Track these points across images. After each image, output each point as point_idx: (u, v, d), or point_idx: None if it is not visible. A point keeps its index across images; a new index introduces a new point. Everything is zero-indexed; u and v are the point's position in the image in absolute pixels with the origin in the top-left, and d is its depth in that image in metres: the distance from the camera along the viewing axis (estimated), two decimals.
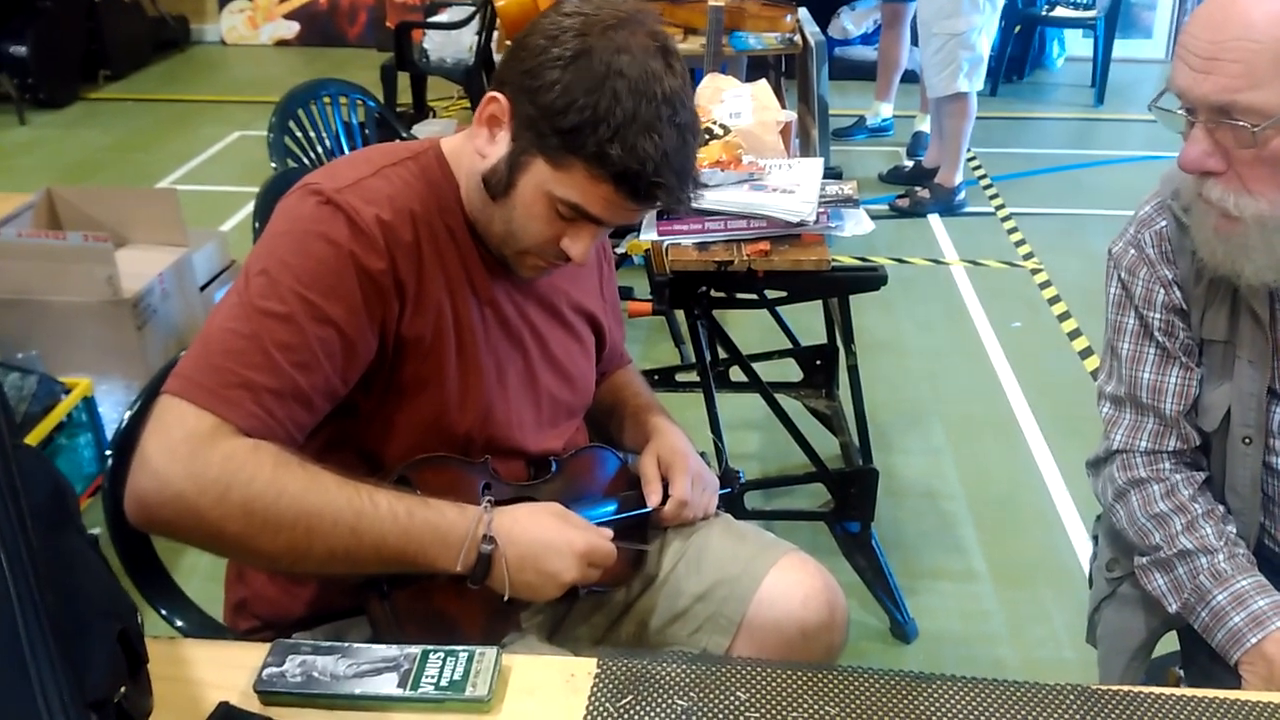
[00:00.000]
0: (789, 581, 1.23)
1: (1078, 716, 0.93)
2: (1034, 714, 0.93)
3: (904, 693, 0.95)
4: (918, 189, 4.28)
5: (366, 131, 2.78)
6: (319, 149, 2.63)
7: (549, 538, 1.09)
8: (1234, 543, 1.22)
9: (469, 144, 1.12)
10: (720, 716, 0.92)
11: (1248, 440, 1.22)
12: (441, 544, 1.03)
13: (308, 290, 1.02)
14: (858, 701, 0.94)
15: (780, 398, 2.18)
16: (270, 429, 1.00)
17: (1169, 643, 1.37)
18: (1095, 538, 1.48)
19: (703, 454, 1.37)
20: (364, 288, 1.05)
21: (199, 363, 1.01)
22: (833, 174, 2.08)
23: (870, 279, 2.00)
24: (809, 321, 2.49)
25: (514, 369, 1.20)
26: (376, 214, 1.06)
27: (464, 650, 0.95)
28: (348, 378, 1.07)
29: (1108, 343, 1.32)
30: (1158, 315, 1.24)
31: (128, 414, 1.23)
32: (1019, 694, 0.95)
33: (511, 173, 1.08)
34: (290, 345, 1.01)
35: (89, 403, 2.45)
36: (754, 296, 2.06)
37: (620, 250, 3.16)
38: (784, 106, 2.57)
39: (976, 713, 0.93)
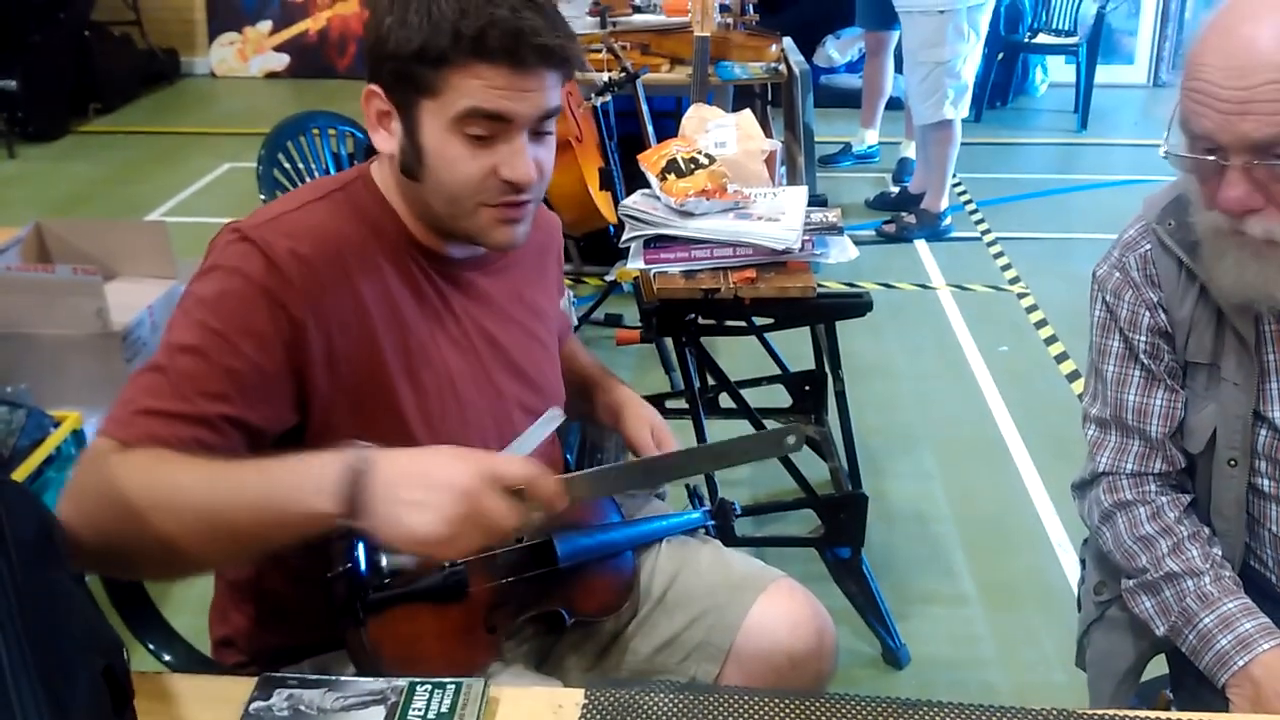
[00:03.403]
0: (777, 610, 1.23)
1: None
2: None
3: (891, 719, 0.95)
4: (904, 215, 4.31)
5: (356, 162, 2.80)
6: (308, 180, 2.64)
7: (440, 453, 0.94)
8: (1220, 565, 1.23)
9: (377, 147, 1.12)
10: None
11: (1233, 463, 1.23)
12: (303, 477, 0.92)
13: (218, 324, 1.02)
14: None
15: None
16: (165, 443, 0.98)
17: (1159, 665, 1.37)
18: (1083, 561, 1.49)
19: (689, 488, 1.40)
20: (277, 322, 1.04)
21: (119, 400, 1.02)
22: (818, 201, 2.10)
23: (856, 305, 2.01)
24: (797, 347, 2.51)
25: (471, 383, 1.19)
26: (291, 248, 1.05)
27: (451, 682, 0.95)
28: (261, 411, 1.05)
29: (1092, 365, 1.33)
30: (1143, 338, 1.25)
31: (115, 402, 1.22)
32: (1005, 718, 0.95)
33: (414, 139, 1.07)
34: (196, 375, 1.01)
35: (78, 436, 2.44)
36: (742, 323, 2.07)
37: (610, 278, 3.19)
38: (770, 135, 2.59)
39: None
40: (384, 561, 1.06)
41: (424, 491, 0.89)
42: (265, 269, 1.04)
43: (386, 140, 1.10)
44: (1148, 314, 1.25)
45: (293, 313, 1.05)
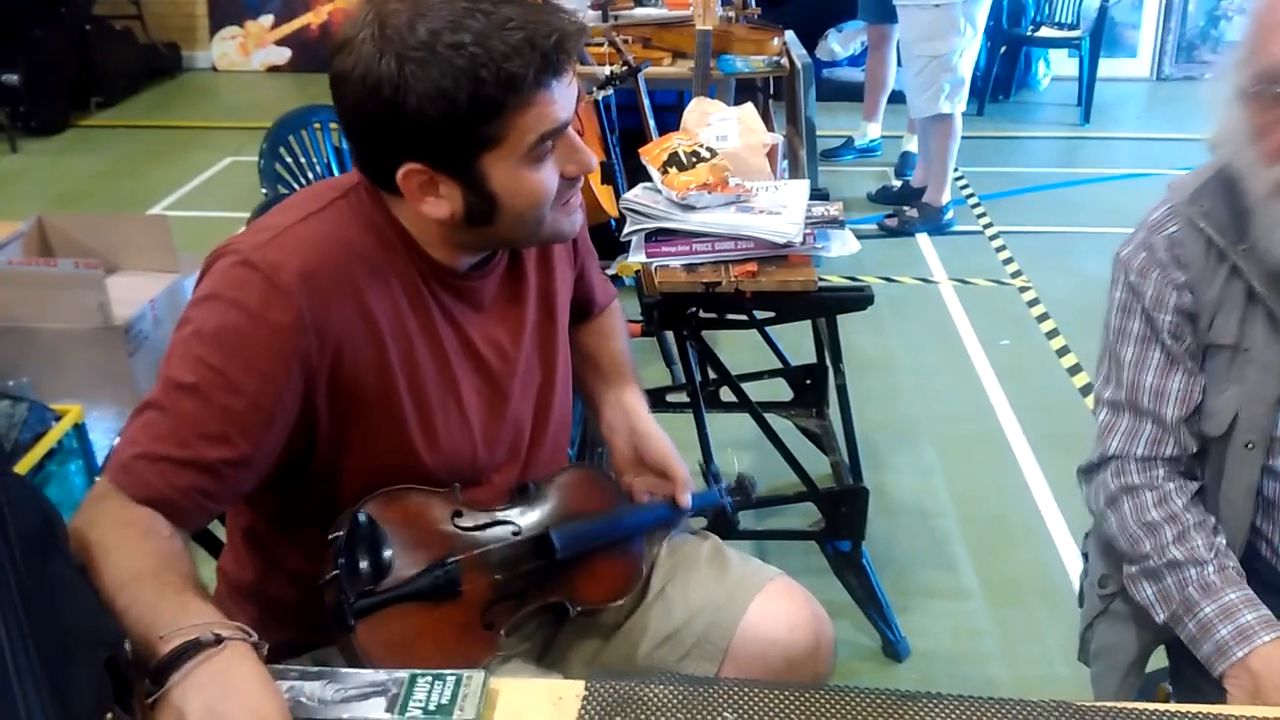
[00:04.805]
0: (775, 609, 1.23)
1: None
2: None
3: (891, 711, 0.95)
4: (906, 208, 4.30)
5: None
6: (310, 175, 2.64)
7: (266, 700, 0.86)
8: (1224, 555, 1.23)
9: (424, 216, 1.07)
10: None
11: (1250, 445, 1.23)
12: (163, 623, 0.88)
13: (218, 361, 1.00)
14: None
15: (770, 417, 2.19)
16: (165, 496, 0.99)
17: (1159, 658, 1.38)
18: (1085, 554, 1.49)
19: (703, 467, 1.38)
20: (279, 352, 1.01)
21: (122, 439, 1.02)
22: (819, 195, 2.10)
23: (857, 299, 2.01)
24: (799, 341, 2.51)
25: (479, 398, 1.17)
26: (300, 265, 1.02)
27: (451, 674, 0.95)
28: (264, 447, 1.03)
29: (1109, 349, 1.33)
30: (1168, 317, 1.25)
31: (117, 440, 1.23)
32: (1005, 710, 0.95)
33: (482, 191, 1.04)
34: (196, 417, 1.00)
35: (80, 429, 2.45)
36: (743, 317, 2.07)
37: (610, 272, 3.19)
38: (772, 129, 2.60)
39: None
40: (364, 566, 1.05)
41: (204, 708, 0.84)
42: (266, 298, 1.01)
43: (439, 206, 1.05)
44: (1174, 294, 1.25)
45: (296, 340, 1.02)
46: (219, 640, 0.87)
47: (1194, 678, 1.24)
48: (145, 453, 1.00)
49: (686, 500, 1.30)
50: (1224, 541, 1.24)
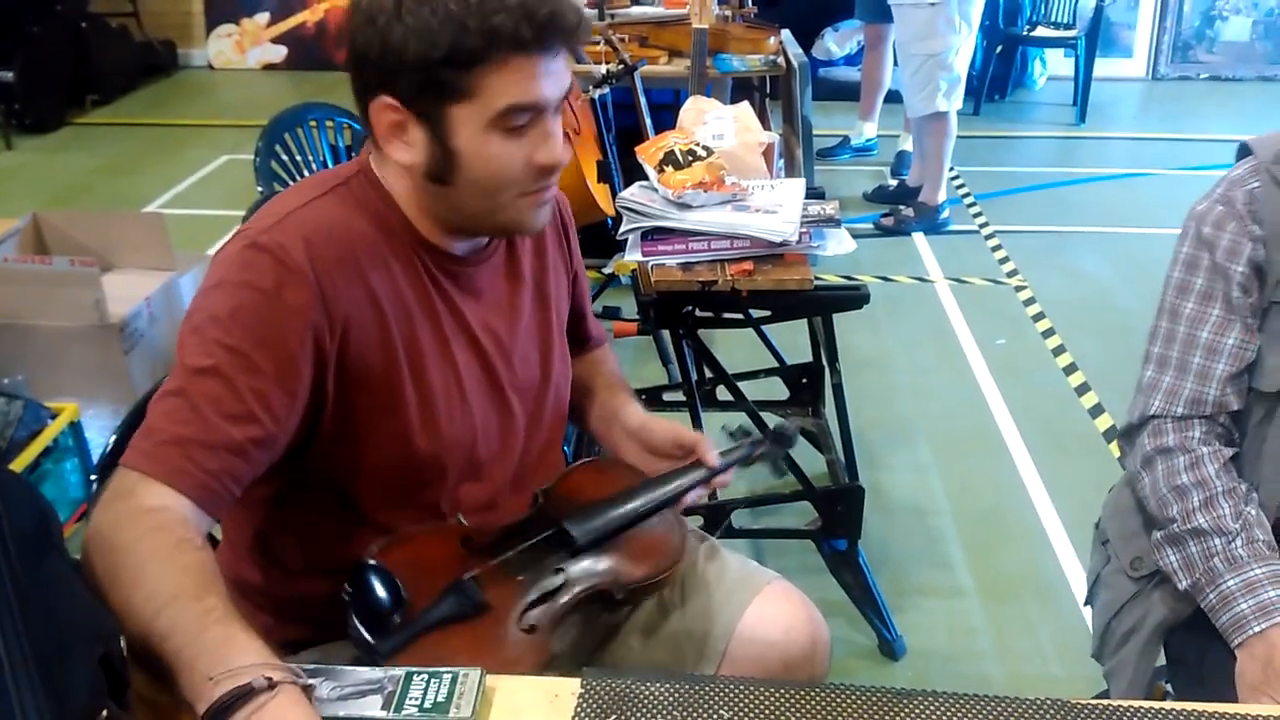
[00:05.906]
0: (772, 612, 1.23)
1: None
2: None
3: (886, 709, 0.96)
4: (902, 207, 4.31)
5: (353, 154, 2.80)
6: (305, 173, 2.64)
7: None
8: (1253, 526, 1.22)
9: (390, 159, 1.09)
10: None
11: None
12: (211, 664, 0.85)
13: (235, 341, 1.00)
14: (841, 718, 0.94)
15: (766, 416, 2.19)
16: (199, 481, 0.98)
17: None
18: (1105, 541, 1.46)
19: (726, 428, 1.39)
20: (295, 329, 1.02)
21: (141, 430, 1.01)
22: (815, 194, 2.10)
23: (853, 298, 2.02)
24: (794, 339, 2.51)
25: (478, 385, 1.18)
26: (306, 246, 1.04)
27: (447, 671, 0.95)
28: (286, 425, 1.04)
29: (1164, 305, 1.34)
30: (1240, 268, 1.26)
31: (113, 438, 1.23)
32: (1000, 708, 0.96)
33: (445, 144, 1.04)
34: (219, 398, 0.99)
35: (75, 427, 2.45)
36: (739, 316, 2.08)
37: (608, 270, 3.19)
38: (768, 128, 2.60)
39: None
40: (380, 610, 1.03)
41: None
42: (277, 276, 1.02)
43: (405, 151, 1.06)
44: (1249, 245, 1.26)
45: (311, 318, 1.03)
46: (271, 684, 0.84)
47: (1195, 670, 1.25)
48: (172, 439, 0.98)
49: (713, 459, 1.26)
50: (1255, 511, 1.24)
